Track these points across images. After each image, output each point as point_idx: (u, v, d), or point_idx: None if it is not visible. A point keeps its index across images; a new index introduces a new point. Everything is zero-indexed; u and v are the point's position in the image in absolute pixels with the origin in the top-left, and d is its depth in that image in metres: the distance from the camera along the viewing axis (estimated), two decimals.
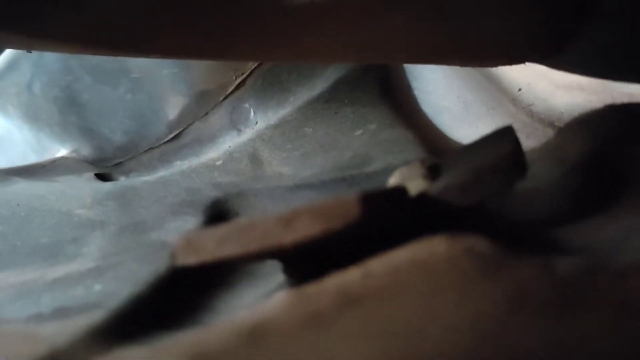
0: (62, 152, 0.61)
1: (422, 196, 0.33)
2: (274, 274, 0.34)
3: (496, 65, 0.52)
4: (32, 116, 0.63)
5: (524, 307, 0.19)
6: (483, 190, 0.31)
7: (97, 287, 0.35)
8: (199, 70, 0.61)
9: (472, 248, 0.26)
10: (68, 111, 0.62)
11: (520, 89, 0.55)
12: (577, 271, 0.23)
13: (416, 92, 0.61)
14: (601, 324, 0.19)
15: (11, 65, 0.63)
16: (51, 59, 0.62)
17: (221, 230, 0.30)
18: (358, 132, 0.55)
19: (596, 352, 0.18)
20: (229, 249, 0.29)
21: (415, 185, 0.36)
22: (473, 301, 0.20)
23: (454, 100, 0.60)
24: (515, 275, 0.22)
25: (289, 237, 0.29)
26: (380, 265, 0.26)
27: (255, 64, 0.62)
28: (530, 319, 0.18)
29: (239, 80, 0.62)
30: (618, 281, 0.22)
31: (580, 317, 0.20)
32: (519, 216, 0.36)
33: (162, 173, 0.57)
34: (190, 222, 0.44)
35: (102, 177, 0.59)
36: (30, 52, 0.59)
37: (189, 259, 0.30)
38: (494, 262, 0.23)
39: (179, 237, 0.31)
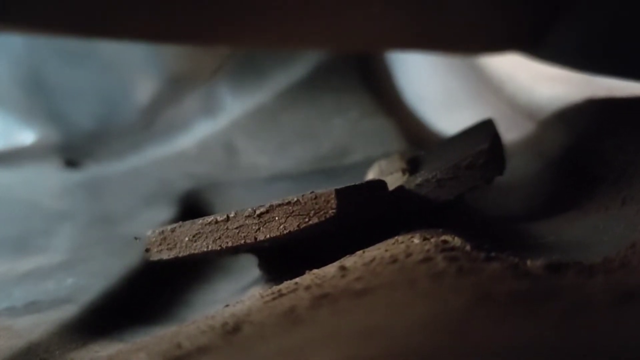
0: (29, 136, 0.61)
1: (400, 190, 0.34)
2: (249, 268, 0.36)
3: (476, 54, 0.54)
4: None
5: (491, 303, 0.20)
6: (459, 186, 0.33)
7: (69, 280, 0.36)
8: (172, 52, 0.61)
9: (445, 244, 0.28)
10: (34, 94, 0.62)
11: (502, 80, 0.56)
12: (544, 269, 0.24)
13: (398, 80, 0.63)
14: (562, 321, 0.20)
15: None
16: (16, 39, 0.61)
17: (196, 225, 0.31)
18: (337, 121, 0.56)
19: (560, 349, 0.18)
20: (204, 245, 0.31)
21: (394, 179, 0.38)
22: (442, 297, 0.21)
23: (437, 88, 0.61)
24: (484, 273, 0.23)
25: (264, 233, 0.30)
26: (356, 262, 0.28)
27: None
28: (496, 315, 0.19)
29: (214, 64, 0.63)
30: (582, 279, 0.24)
31: (545, 313, 0.20)
32: (496, 211, 0.38)
33: (133, 161, 0.57)
34: (163, 213, 0.45)
35: (71, 163, 0.59)
36: None
37: (164, 254, 0.31)
38: (466, 260, 0.25)
39: (152, 231, 0.32)
